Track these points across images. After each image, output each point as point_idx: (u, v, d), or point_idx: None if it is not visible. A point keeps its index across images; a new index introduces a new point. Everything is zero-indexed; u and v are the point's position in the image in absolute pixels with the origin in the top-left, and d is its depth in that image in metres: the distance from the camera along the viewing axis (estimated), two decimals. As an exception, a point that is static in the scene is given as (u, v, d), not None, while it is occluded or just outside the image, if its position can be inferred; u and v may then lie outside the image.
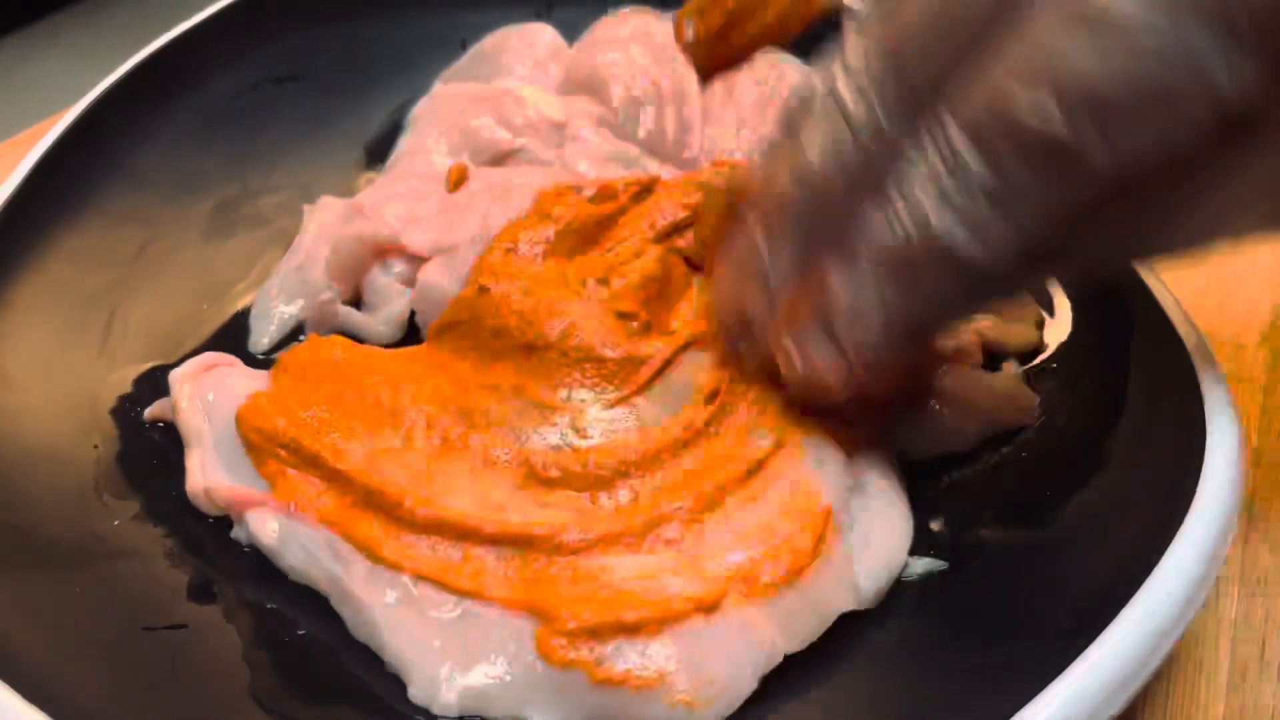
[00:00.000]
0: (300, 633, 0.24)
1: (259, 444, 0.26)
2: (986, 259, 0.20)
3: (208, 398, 0.27)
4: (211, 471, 0.26)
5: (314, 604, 0.25)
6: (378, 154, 0.39)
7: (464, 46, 0.42)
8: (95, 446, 0.29)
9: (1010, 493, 0.27)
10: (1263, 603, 0.27)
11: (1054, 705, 0.19)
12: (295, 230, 0.35)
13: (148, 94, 0.38)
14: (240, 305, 0.34)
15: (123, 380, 0.31)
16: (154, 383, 0.31)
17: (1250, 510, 0.29)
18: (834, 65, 0.22)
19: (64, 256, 0.33)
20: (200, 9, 0.40)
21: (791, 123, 0.23)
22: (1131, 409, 0.27)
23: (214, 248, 0.35)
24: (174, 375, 0.28)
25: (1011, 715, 0.19)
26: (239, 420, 0.26)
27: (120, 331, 0.32)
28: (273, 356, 0.31)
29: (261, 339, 0.32)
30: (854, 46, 0.22)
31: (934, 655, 0.23)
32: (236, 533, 0.26)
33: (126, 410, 0.30)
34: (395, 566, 0.24)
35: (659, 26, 0.39)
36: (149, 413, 0.29)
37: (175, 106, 0.38)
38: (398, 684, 0.23)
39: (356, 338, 0.32)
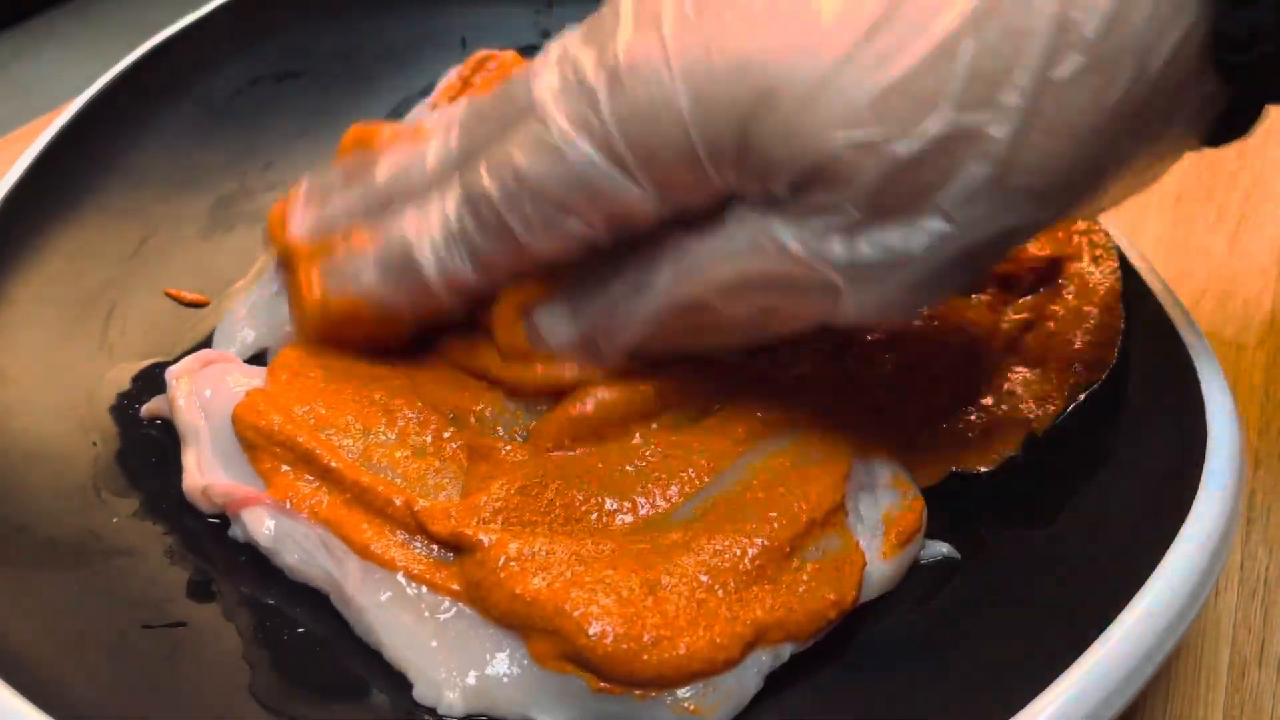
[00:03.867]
0: (300, 630, 0.24)
1: (255, 441, 0.26)
2: (440, 290, 0.26)
3: (205, 394, 0.27)
4: (209, 469, 0.26)
5: (314, 601, 0.25)
6: (377, 151, 0.39)
7: (464, 44, 0.42)
8: (94, 444, 0.28)
9: (1011, 492, 0.27)
10: (1262, 602, 0.27)
11: (1056, 704, 0.19)
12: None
13: (147, 90, 0.37)
14: (236, 303, 0.33)
15: (121, 377, 0.31)
16: (152, 379, 0.30)
17: (1250, 510, 0.29)
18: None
19: (62, 253, 0.32)
20: (200, 5, 0.40)
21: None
22: (1132, 409, 0.27)
23: (213, 244, 0.35)
24: (171, 372, 0.28)
25: (1014, 713, 0.19)
26: (235, 418, 0.26)
27: (119, 328, 0.32)
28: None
29: None
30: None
31: (938, 653, 0.23)
32: (233, 531, 0.26)
33: (125, 407, 0.30)
34: (388, 565, 0.24)
35: None
36: (145, 409, 0.29)
37: (174, 103, 0.38)
38: (399, 682, 0.23)
39: None
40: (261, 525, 0.25)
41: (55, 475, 0.27)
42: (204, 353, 0.29)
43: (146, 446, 0.29)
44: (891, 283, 0.22)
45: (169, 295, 0.33)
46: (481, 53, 0.39)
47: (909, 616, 0.24)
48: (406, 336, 0.28)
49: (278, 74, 0.41)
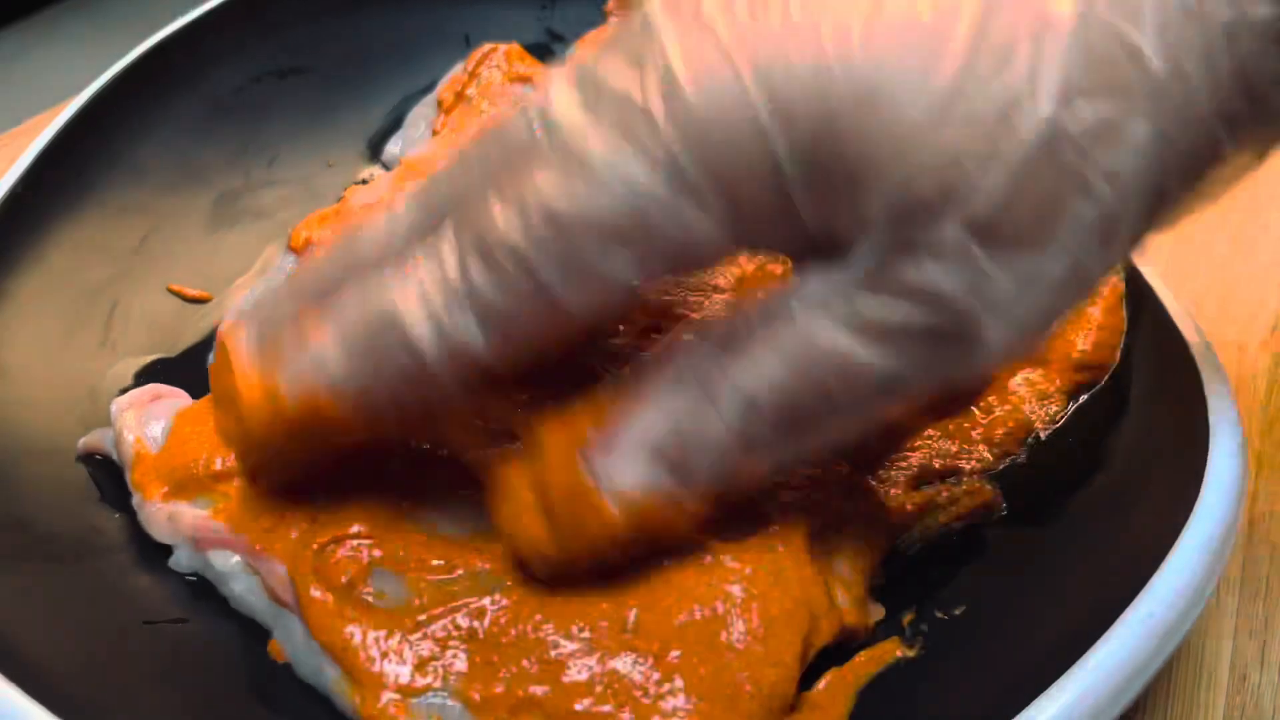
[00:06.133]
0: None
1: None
2: (439, 367, 0.20)
3: (151, 428, 0.26)
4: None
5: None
6: (380, 148, 0.40)
7: (467, 41, 0.42)
8: (96, 439, 0.29)
9: (1012, 492, 0.27)
10: (1264, 605, 0.27)
11: (1057, 705, 0.19)
12: (296, 224, 0.35)
13: (150, 86, 0.37)
14: (241, 298, 0.34)
15: (124, 373, 0.31)
16: (155, 376, 0.30)
17: (1252, 512, 0.29)
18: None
19: (65, 248, 0.32)
20: (203, 1, 0.40)
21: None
22: (1134, 410, 0.27)
23: (216, 240, 0.35)
24: (118, 404, 0.27)
25: (1015, 714, 0.19)
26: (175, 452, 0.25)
27: (121, 324, 0.32)
28: None
29: None
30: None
31: (939, 653, 0.23)
32: (176, 559, 0.25)
33: (127, 403, 0.30)
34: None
35: None
36: (83, 444, 0.28)
37: (177, 98, 0.38)
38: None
39: None
40: (227, 564, 0.25)
41: (57, 471, 0.27)
42: (152, 387, 0.28)
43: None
44: (1030, 304, 0.19)
45: (172, 291, 0.33)
46: (486, 46, 0.39)
47: (908, 616, 0.24)
48: (380, 449, 0.24)
49: (281, 70, 0.41)
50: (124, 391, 0.29)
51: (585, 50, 0.21)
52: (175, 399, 0.28)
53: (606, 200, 0.19)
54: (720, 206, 0.19)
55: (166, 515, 0.25)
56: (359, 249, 0.22)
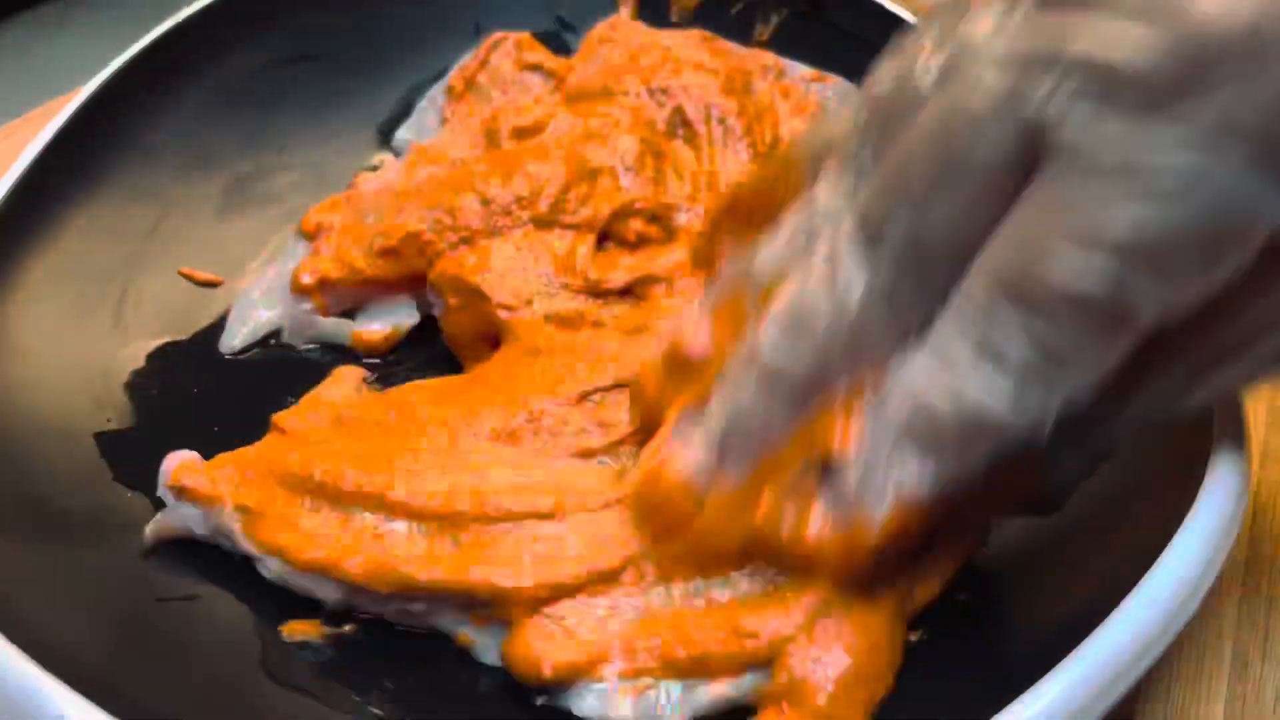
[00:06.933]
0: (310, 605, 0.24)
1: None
2: (1022, 425, 0.19)
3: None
4: None
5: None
6: (390, 134, 0.40)
7: (478, 30, 0.42)
8: (108, 420, 0.29)
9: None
10: (1266, 596, 0.27)
11: (1057, 690, 0.19)
12: (306, 209, 0.35)
13: (162, 72, 0.38)
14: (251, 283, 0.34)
15: (136, 355, 0.31)
16: (166, 358, 0.31)
17: (1256, 503, 0.29)
18: (822, 207, 0.20)
19: (78, 232, 0.33)
20: (215, -12, 0.40)
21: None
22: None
23: (227, 225, 0.36)
24: (179, 478, 0.25)
25: (1016, 697, 0.19)
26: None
27: (133, 306, 0.32)
28: (241, 357, 0.32)
29: (233, 340, 0.32)
30: (841, 192, 0.20)
31: (942, 637, 0.23)
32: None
33: (139, 385, 0.30)
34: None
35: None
36: (153, 532, 0.26)
37: (189, 84, 0.38)
38: (408, 658, 0.23)
39: (334, 347, 0.32)
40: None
41: (70, 451, 0.27)
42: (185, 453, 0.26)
43: (160, 424, 0.29)
44: None
45: (183, 275, 0.34)
46: (497, 34, 0.39)
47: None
48: None
49: (292, 57, 0.41)
50: (136, 372, 0.30)
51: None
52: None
53: (1194, 211, 0.16)
54: None
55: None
56: (819, 332, 0.20)
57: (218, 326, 0.32)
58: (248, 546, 0.24)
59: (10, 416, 0.27)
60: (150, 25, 0.39)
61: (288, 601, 0.24)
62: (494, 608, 0.23)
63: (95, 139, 0.35)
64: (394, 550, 0.23)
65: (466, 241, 0.32)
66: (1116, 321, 0.17)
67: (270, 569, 0.24)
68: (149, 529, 0.26)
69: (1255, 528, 0.29)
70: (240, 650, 0.23)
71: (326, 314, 0.32)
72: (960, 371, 0.18)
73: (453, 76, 0.40)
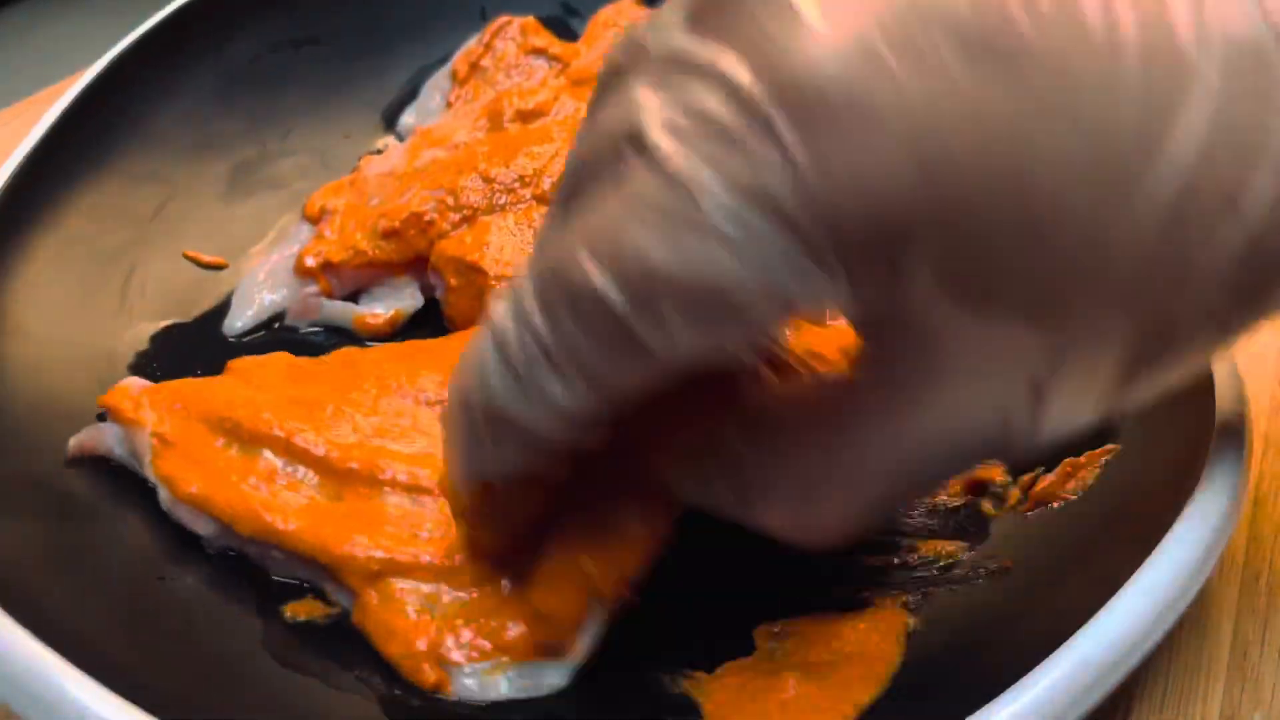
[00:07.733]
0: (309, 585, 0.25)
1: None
2: (530, 421, 0.18)
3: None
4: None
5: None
6: (394, 118, 0.40)
7: (483, 15, 0.42)
8: (112, 402, 0.29)
9: (1015, 467, 0.27)
10: (1266, 585, 0.27)
11: (1056, 674, 0.19)
12: (310, 193, 0.35)
13: (167, 54, 0.38)
14: (255, 266, 0.34)
15: (140, 337, 0.31)
16: (170, 340, 0.31)
17: (1257, 492, 0.29)
18: None
19: (83, 214, 0.33)
20: (220, -29, 0.40)
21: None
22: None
23: (231, 208, 0.36)
24: (126, 394, 0.26)
25: (1013, 683, 0.19)
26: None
27: (138, 289, 0.32)
28: (245, 340, 0.32)
29: (237, 322, 0.32)
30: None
31: (941, 622, 0.23)
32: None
33: (144, 366, 0.30)
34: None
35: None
36: (76, 444, 0.27)
37: (194, 67, 0.38)
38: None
39: (338, 331, 0.32)
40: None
41: (74, 430, 0.27)
42: (139, 380, 0.27)
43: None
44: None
45: (188, 257, 0.34)
46: (501, 18, 0.39)
47: (914, 592, 0.24)
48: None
49: (297, 41, 0.41)
50: (140, 354, 0.30)
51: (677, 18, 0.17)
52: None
53: (725, 264, 0.16)
54: (845, 266, 0.16)
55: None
56: None
57: (222, 309, 0.32)
58: (148, 473, 0.25)
59: (15, 397, 0.27)
60: (155, 9, 0.39)
61: (289, 583, 0.24)
62: (334, 571, 0.23)
63: (100, 122, 0.35)
64: (277, 497, 0.24)
65: (468, 220, 0.32)
66: (624, 338, 0.17)
67: (161, 498, 0.25)
68: (72, 441, 0.26)
69: (1256, 517, 0.29)
70: (243, 629, 0.23)
71: (331, 297, 0.32)
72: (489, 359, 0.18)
73: (457, 60, 0.40)
